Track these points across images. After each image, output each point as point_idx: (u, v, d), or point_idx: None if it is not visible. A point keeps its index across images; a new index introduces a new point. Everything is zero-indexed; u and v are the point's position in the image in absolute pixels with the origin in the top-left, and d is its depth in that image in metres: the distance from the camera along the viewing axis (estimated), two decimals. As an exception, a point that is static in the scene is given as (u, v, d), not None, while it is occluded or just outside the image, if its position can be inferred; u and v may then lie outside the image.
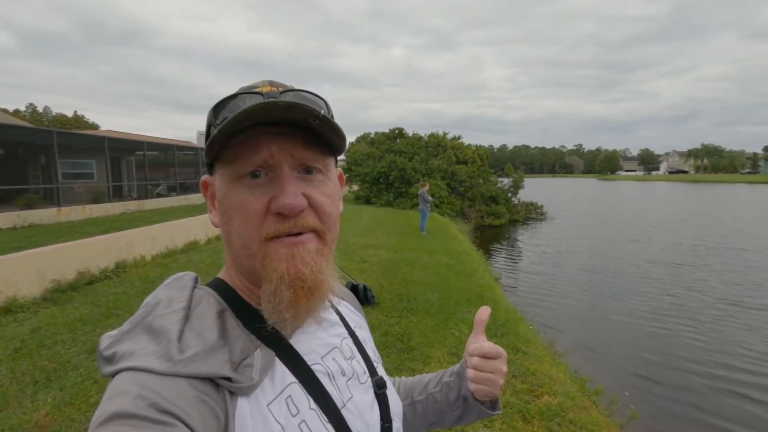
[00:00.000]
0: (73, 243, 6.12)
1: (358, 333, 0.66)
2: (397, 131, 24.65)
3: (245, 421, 0.45)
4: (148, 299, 0.51)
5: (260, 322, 0.51)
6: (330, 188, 0.54)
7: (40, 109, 67.60)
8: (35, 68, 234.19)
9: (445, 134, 24.23)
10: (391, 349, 4.02)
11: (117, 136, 18.22)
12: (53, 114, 65.66)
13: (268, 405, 0.47)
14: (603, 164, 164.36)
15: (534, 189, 38.65)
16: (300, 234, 0.50)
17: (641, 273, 10.75)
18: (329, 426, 0.50)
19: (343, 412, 0.53)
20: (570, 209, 28.22)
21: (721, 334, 6.72)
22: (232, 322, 0.50)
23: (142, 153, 19.53)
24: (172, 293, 0.51)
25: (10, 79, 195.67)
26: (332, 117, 0.52)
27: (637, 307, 8.04)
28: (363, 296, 5.16)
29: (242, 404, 0.46)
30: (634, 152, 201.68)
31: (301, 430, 0.48)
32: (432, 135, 24.14)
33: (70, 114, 65.22)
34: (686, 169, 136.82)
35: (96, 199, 15.55)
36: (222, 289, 0.54)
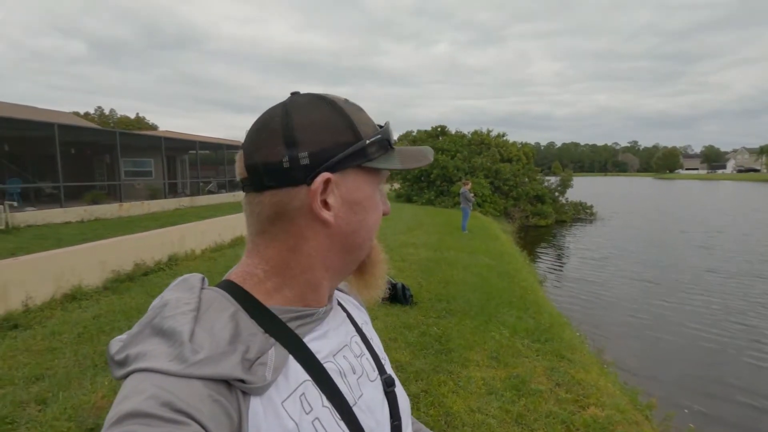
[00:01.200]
0: (131, 236, 6.55)
1: (365, 330, 0.66)
2: (439, 129, 24.39)
3: (259, 419, 0.45)
4: (155, 302, 0.51)
5: (273, 321, 0.52)
6: None
7: (107, 111, 73.06)
8: (103, 73, 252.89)
9: (489, 132, 23.67)
10: (429, 350, 3.96)
11: (172, 136, 19.31)
12: (118, 116, 70.72)
13: (282, 402, 0.47)
14: (661, 162, 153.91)
15: (584, 188, 36.90)
16: None
17: (702, 284, 9.93)
18: (342, 424, 0.51)
19: (355, 410, 0.53)
20: (623, 210, 26.69)
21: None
22: (246, 322, 0.50)
23: (194, 152, 20.60)
24: (179, 294, 0.51)
25: (81, 84, 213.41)
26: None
27: (696, 320, 7.42)
28: (401, 295, 5.13)
29: (255, 403, 0.46)
30: (697, 149, 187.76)
31: (314, 427, 0.48)
32: (475, 132, 23.65)
33: (132, 116, 70.00)
34: (758, 167, 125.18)
35: (153, 195, 16.59)
36: (232, 289, 0.54)
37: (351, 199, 0.54)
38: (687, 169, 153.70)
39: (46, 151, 12.98)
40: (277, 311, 0.53)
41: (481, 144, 22.63)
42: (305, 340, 0.54)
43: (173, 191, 19.54)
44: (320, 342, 0.55)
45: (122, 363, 0.45)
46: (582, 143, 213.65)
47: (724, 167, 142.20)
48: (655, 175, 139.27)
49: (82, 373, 3.30)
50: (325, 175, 0.53)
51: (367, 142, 0.54)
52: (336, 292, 0.64)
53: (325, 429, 0.49)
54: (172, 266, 6.67)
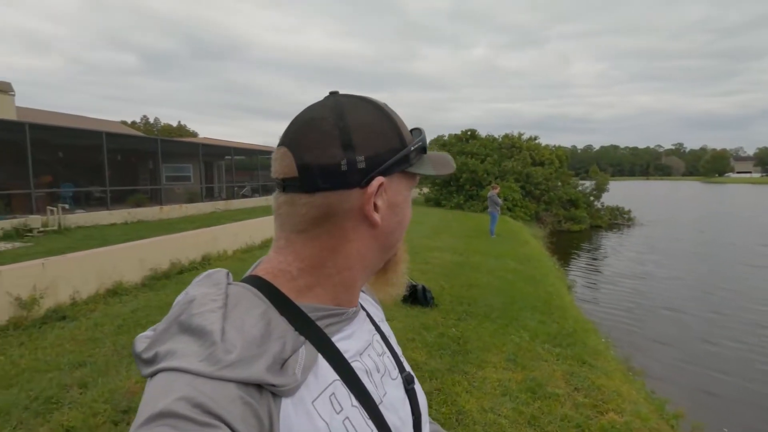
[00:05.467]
0: (168, 237, 6.94)
1: (383, 328, 0.67)
2: (469, 133, 24.19)
3: (290, 420, 0.45)
4: (179, 298, 0.51)
5: (304, 320, 0.51)
6: None
7: (151, 120, 77.21)
8: (151, 84, 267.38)
9: (520, 135, 23.27)
10: (446, 350, 3.99)
11: (210, 143, 20.18)
12: (162, 124, 74.54)
13: (312, 402, 0.47)
14: (709, 165, 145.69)
15: (622, 192, 35.46)
16: None
17: (754, 299, 9.36)
18: (370, 423, 0.51)
19: (381, 408, 0.53)
20: (664, 215, 25.46)
21: None
22: (276, 320, 0.49)
23: (230, 158, 21.41)
24: (205, 290, 0.50)
25: (130, 94, 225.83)
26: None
27: (743, 338, 6.95)
28: (422, 297, 5.18)
29: (286, 404, 0.46)
30: (750, 151, 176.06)
31: (345, 427, 0.48)
32: (506, 136, 23.31)
33: (175, 124, 73.59)
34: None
35: (191, 198, 17.37)
36: (260, 285, 0.53)
37: (393, 201, 0.56)
38: (738, 172, 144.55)
39: (96, 158, 13.90)
40: (307, 309, 0.52)
41: (512, 147, 22.27)
42: (333, 339, 0.54)
43: (210, 195, 20.37)
44: (348, 342, 0.55)
45: (150, 361, 0.44)
46: (622, 146, 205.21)
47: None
48: (703, 179, 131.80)
49: (119, 362, 3.56)
50: (380, 179, 0.54)
51: (411, 148, 0.56)
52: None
53: (355, 428, 0.49)
54: (206, 265, 7.00)
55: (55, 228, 10.45)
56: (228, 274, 0.54)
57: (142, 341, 0.47)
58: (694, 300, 8.82)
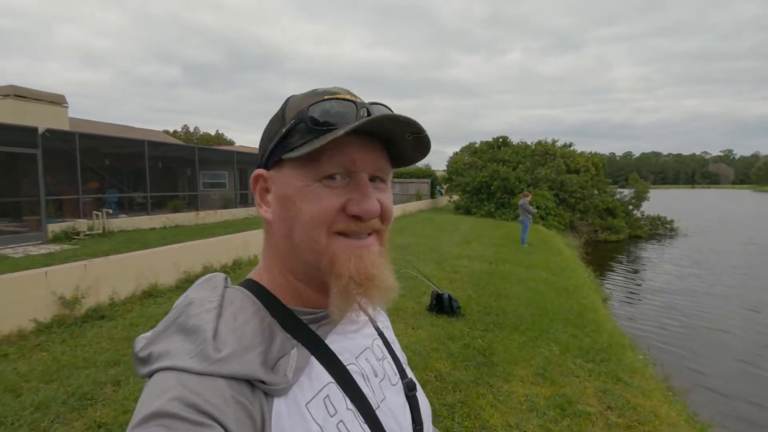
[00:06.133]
0: (201, 241, 7.17)
1: (386, 334, 0.66)
2: (501, 140, 23.82)
3: (282, 421, 0.45)
4: (179, 301, 0.52)
5: (295, 321, 0.52)
6: (390, 194, 0.56)
7: (191, 129, 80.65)
8: (193, 94, 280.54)
9: (554, 142, 22.68)
10: (471, 361, 3.89)
11: (244, 151, 20.82)
12: (201, 133, 77.69)
13: (306, 404, 0.47)
14: (761, 173, 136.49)
15: (664, 201, 33.78)
16: (364, 237, 0.52)
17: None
18: (365, 427, 0.50)
19: (378, 413, 0.52)
20: (711, 226, 24.02)
21: None
22: (268, 321, 0.50)
23: (263, 165, 21.96)
24: (203, 294, 0.51)
25: (174, 105, 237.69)
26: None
27: None
28: (448, 306, 5.09)
29: (279, 404, 0.46)
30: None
31: (339, 430, 0.48)
32: (539, 143, 22.79)
33: (213, 132, 76.52)
34: None
35: (226, 204, 17.94)
36: (254, 288, 0.54)
37: (282, 193, 0.52)
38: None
39: (138, 165, 14.61)
40: (298, 312, 0.53)
41: (545, 155, 21.73)
42: (327, 341, 0.53)
43: (244, 201, 20.96)
44: (342, 344, 0.55)
45: (145, 360, 0.46)
46: (665, 152, 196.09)
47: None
48: (755, 187, 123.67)
49: (151, 361, 3.68)
50: (258, 172, 0.55)
51: (284, 130, 0.51)
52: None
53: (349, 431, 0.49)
54: (236, 269, 7.18)
55: (100, 231, 11.04)
56: (226, 279, 0.55)
57: (140, 341, 0.48)
58: (738, 318, 8.22)
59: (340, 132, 0.47)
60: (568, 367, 3.94)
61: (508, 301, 5.94)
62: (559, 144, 22.59)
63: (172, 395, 0.40)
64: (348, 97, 0.52)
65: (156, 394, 0.41)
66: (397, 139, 0.52)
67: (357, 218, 0.50)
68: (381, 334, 0.64)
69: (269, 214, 0.54)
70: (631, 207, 20.97)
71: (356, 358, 0.55)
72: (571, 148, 22.42)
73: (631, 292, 10.35)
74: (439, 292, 5.24)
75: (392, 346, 0.65)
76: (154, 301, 5.43)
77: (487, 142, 24.30)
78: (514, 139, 23.79)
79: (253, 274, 0.57)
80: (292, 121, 0.51)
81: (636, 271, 12.94)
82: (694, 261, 13.86)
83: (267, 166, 0.54)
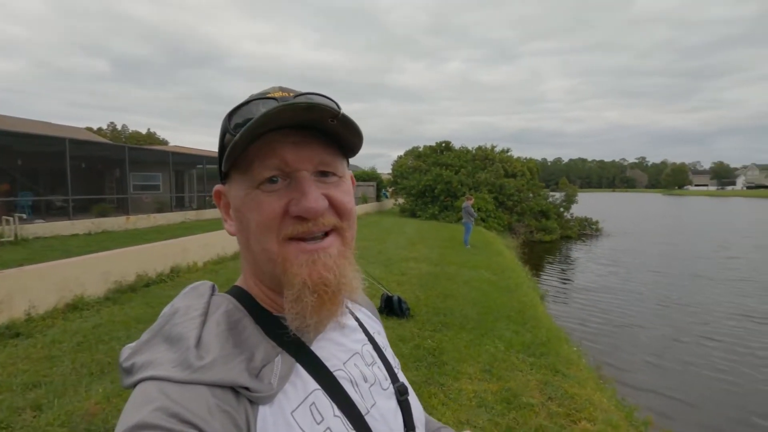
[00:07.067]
0: (134, 248, 6.66)
1: (378, 339, 0.65)
2: (443, 144, 24.55)
3: (268, 429, 0.44)
4: (165, 309, 0.51)
5: (280, 329, 0.51)
6: (347, 187, 0.54)
7: (119, 126, 74.67)
8: (125, 91, 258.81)
9: (493, 147, 23.78)
10: (422, 362, 3.96)
11: (181, 151, 19.67)
12: (130, 131, 72.18)
13: (291, 412, 0.46)
14: (669, 178, 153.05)
15: (590, 204, 36.72)
16: (321, 238, 0.50)
17: (722, 302, 9.79)
18: None
19: (367, 418, 0.51)
20: (630, 226, 26.46)
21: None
22: (252, 329, 0.49)
23: (202, 166, 20.91)
24: (189, 302, 0.51)
25: (100, 101, 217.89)
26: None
27: (704, 345, 7.15)
28: (398, 308, 5.15)
29: (264, 412, 0.45)
30: (706, 165, 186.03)
31: None
32: (479, 148, 23.78)
33: (144, 131, 71.42)
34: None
35: (160, 208, 16.82)
36: (240, 296, 0.54)
37: (234, 206, 0.53)
38: (696, 185, 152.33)
39: (58, 165, 13.29)
40: (283, 319, 0.52)
41: (485, 159, 22.73)
42: (312, 347, 0.53)
43: (180, 205, 19.80)
44: (329, 350, 0.54)
45: (129, 371, 0.45)
46: (590, 159, 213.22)
47: (733, 183, 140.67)
48: (664, 191, 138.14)
49: (78, 381, 3.35)
50: (216, 187, 0.56)
51: (222, 143, 0.52)
52: (352, 300, 0.61)
53: None
54: (174, 278, 6.76)
55: (11, 239, 9.88)
56: (213, 287, 0.55)
57: (125, 351, 0.48)
58: (649, 314, 9.13)
59: (242, 132, 0.45)
60: (512, 362, 4.14)
61: (454, 301, 6.13)
62: (497, 149, 23.72)
63: (155, 406, 0.39)
64: (275, 94, 0.50)
65: (139, 405, 0.40)
66: (328, 128, 0.49)
67: (303, 219, 0.48)
68: (372, 339, 0.63)
69: (232, 228, 0.54)
70: (562, 209, 22.52)
71: (344, 363, 0.54)
72: (509, 154, 23.64)
73: (563, 288, 11.10)
74: (389, 294, 5.28)
75: (383, 351, 0.64)
76: (80, 314, 4.95)
77: (430, 146, 24.93)
78: (456, 144, 24.65)
79: (239, 281, 0.57)
80: (222, 132, 0.51)
81: (567, 269, 13.91)
82: (614, 260, 15.16)
83: (224, 180, 0.55)
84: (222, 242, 8.67)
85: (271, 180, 0.48)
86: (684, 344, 7.07)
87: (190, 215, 16.94)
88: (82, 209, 13.94)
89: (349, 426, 0.49)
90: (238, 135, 0.45)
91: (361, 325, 0.63)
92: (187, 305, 0.50)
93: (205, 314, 0.49)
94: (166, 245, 7.28)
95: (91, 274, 5.55)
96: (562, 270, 13.78)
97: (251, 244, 0.51)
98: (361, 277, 0.54)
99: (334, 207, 0.51)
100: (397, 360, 0.67)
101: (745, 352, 6.66)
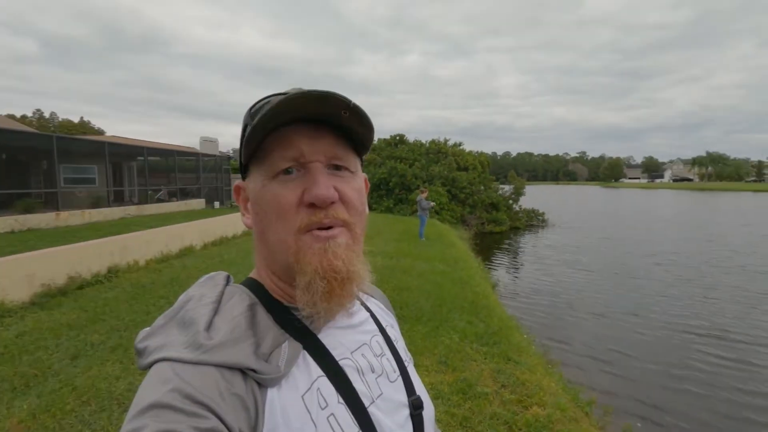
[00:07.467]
0: (64, 247, 6.10)
1: (389, 331, 0.66)
2: (398, 137, 24.67)
3: (275, 412, 0.45)
4: (181, 297, 0.53)
5: (289, 317, 0.53)
6: (359, 184, 0.56)
7: (46, 114, 68.33)
8: (55, 75, 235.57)
9: (446, 141, 24.24)
10: (379, 357, 3.94)
11: (118, 142, 18.31)
12: (59, 119, 66.28)
13: (298, 396, 0.48)
14: (607, 172, 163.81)
15: (536, 196, 38.54)
16: (331, 228, 0.51)
17: (653, 285, 10.62)
18: (356, 422, 0.50)
19: (372, 408, 0.52)
20: (573, 216, 28.07)
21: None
22: (262, 316, 0.51)
23: (143, 158, 19.62)
24: (204, 291, 0.53)
25: (26, 86, 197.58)
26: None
27: (646, 323, 7.79)
28: (354, 303, 5.09)
29: (272, 395, 0.46)
30: (639, 160, 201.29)
31: (329, 423, 0.48)
32: (433, 141, 24.15)
33: (76, 119, 65.81)
34: (691, 177, 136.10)
35: (96, 203, 15.60)
36: (253, 287, 0.56)
37: (252, 199, 0.55)
38: (630, 178, 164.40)
39: (-28, 156, 11.91)
40: (292, 308, 0.54)
41: (438, 153, 23.12)
42: (320, 336, 0.54)
43: (119, 199, 18.49)
44: (336, 339, 0.55)
45: (142, 353, 0.47)
46: (536, 153, 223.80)
47: (662, 177, 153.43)
48: (602, 183, 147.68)
49: (-2, 398, 3.01)
50: (236, 183, 0.59)
51: (242, 138, 0.54)
52: (360, 293, 0.61)
53: (340, 426, 0.49)
54: (112, 278, 6.27)
55: None
56: (228, 277, 0.57)
57: (141, 334, 0.49)
58: (598, 297, 9.75)
59: (259, 116, 0.48)
60: (467, 352, 4.22)
61: (410, 294, 6.17)
62: (450, 143, 24.21)
63: (170, 387, 0.41)
64: (292, 91, 0.52)
65: (153, 385, 0.42)
66: (342, 122, 0.52)
67: (316, 208, 0.51)
68: (383, 331, 0.64)
69: (249, 221, 0.57)
70: (511, 201, 23.42)
71: (351, 353, 0.56)
72: (461, 147, 24.21)
73: (512, 277, 11.57)
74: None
75: (395, 344, 0.64)
76: (0, 322, 4.46)
77: (385, 139, 24.97)
78: (411, 138, 24.87)
79: (252, 273, 0.60)
80: (243, 127, 0.54)
81: (516, 257, 14.52)
82: (559, 246, 16.04)
83: (244, 176, 0.57)
84: (166, 239, 8.18)
85: (287, 171, 0.51)
86: (618, 320, 7.60)
87: (130, 210, 15.85)
88: (3, 205, 12.62)
89: (351, 414, 0.50)
90: (256, 119, 0.48)
91: (373, 316, 0.65)
92: (201, 293, 0.52)
93: (219, 302, 0.51)
94: (102, 243, 6.73)
95: (13, 276, 5.02)
96: (511, 259, 14.36)
97: (267, 235, 0.53)
98: (369, 270, 0.56)
99: (344, 202, 0.53)
100: (409, 355, 0.67)
101: (667, 324, 7.28)
